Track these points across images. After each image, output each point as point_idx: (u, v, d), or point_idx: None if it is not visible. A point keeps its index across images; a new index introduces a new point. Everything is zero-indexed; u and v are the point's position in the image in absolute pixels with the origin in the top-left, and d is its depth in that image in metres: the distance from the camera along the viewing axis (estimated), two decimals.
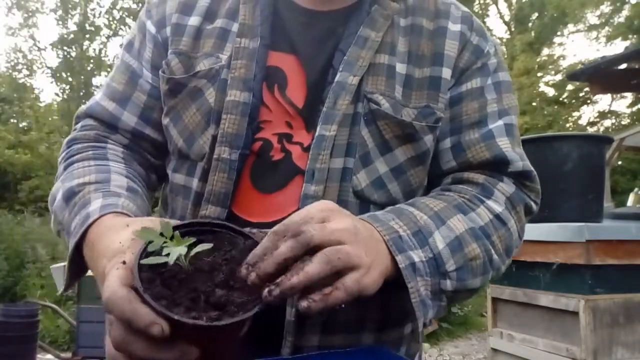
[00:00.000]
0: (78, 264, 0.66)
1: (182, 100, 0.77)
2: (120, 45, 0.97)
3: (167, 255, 0.49)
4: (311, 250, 0.51)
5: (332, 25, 0.78)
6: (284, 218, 0.70)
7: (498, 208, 0.74)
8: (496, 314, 2.84)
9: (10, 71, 15.22)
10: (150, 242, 0.50)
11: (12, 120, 14.71)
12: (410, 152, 0.76)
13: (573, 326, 2.34)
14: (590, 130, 14.74)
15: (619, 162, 11.27)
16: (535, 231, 2.50)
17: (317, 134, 0.71)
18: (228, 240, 0.55)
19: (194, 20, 0.79)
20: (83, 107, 0.85)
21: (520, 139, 0.83)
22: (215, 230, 0.56)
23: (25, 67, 15.40)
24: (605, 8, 15.19)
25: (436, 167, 0.80)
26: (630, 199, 5.32)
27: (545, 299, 2.48)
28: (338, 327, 0.71)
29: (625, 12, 14.52)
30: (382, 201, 0.74)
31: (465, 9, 0.84)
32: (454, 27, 0.80)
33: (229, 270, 0.51)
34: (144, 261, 0.49)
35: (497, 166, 0.77)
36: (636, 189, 5.54)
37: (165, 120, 0.80)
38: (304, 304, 0.50)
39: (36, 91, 16.55)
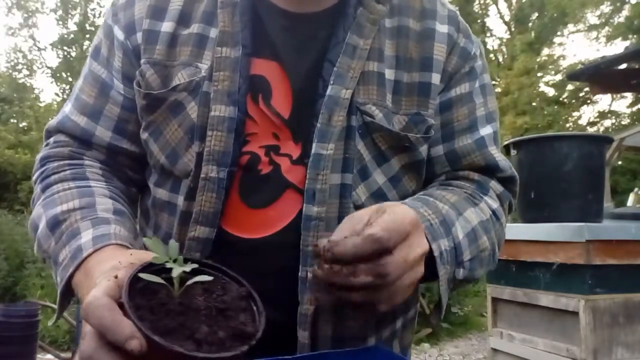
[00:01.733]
0: (68, 291, 0.65)
1: (162, 115, 0.73)
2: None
3: (165, 276, 0.48)
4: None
5: (314, 29, 0.74)
6: (276, 233, 0.70)
7: (494, 204, 0.78)
8: (496, 314, 2.83)
9: (10, 71, 15.24)
10: (148, 265, 0.51)
11: (12, 120, 14.71)
12: (404, 159, 0.76)
13: (573, 326, 2.34)
14: (590, 130, 14.75)
15: (619, 162, 11.27)
16: (535, 231, 2.50)
17: (313, 151, 0.69)
18: (221, 285, 0.54)
19: (167, 26, 0.74)
20: (53, 122, 0.80)
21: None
22: (211, 273, 0.54)
23: (25, 67, 15.44)
24: (605, 8, 15.21)
25: (431, 173, 0.80)
26: (630, 199, 5.31)
27: (545, 299, 2.48)
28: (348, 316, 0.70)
29: (625, 12, 14.53)
30: None
31: (451, 7, 0.82)
32: (442, 28, 0.78)
33: (218, 313, 0.50)
34: (141, 274, 0.48)
35: (489, 171, 0.81)
36: (636, 189, 5.54)
37: (144, 135, 0.75)
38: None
39: (36, 91, 16.58)
